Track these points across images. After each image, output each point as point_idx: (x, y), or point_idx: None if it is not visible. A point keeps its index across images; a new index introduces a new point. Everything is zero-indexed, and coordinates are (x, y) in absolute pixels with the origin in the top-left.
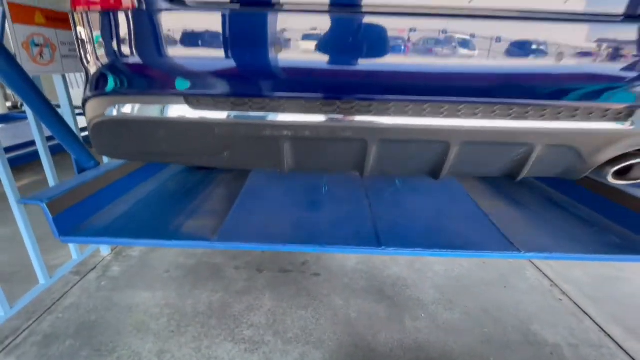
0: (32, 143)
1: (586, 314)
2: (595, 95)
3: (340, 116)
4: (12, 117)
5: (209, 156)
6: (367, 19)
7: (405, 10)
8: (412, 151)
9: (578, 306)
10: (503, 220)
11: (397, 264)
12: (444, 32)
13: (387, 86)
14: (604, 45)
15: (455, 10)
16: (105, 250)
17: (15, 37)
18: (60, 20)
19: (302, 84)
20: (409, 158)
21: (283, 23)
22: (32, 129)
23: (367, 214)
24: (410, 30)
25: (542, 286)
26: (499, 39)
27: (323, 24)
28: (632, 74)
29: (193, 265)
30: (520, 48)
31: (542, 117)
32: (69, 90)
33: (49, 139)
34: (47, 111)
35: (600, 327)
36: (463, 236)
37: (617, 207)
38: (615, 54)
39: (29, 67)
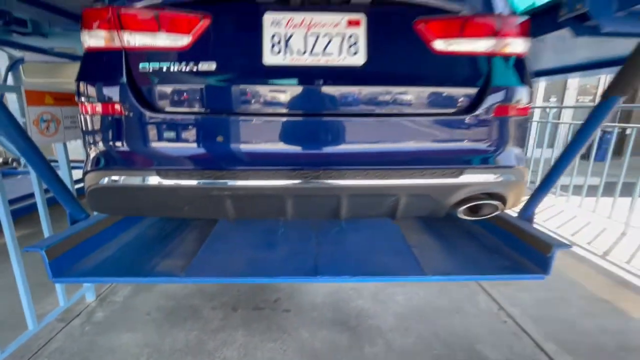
0: (22, 198)
1: (525, 332)
2: (437, 162)
3: (264, 182)
4: (4, 172)
5: (173, 210)
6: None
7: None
8: (317, 203)
9: (519, 326)
10: (423, 251)
11: (362, 296)
12: (337, 130)
13: (298, 162)
14: (442, 135)
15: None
16: (90, 297)
17: (28, 116)
18: (65, 99)
19: (237, 161)
20: (316, 207)
21: (223, 126)
22: (34, 187)
23: (312, 251)
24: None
25: (490, 310)
26: (368, 134)
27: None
28: (461, 150)
29: (173, 306)
30: (384, 138)
31: (403, 177)
32: (67, 154)
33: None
34: (48, 172)
35: (537, 344)
36: (385, 265)
37: (513, 237)
38: (447, 139)
39: (37, 138)
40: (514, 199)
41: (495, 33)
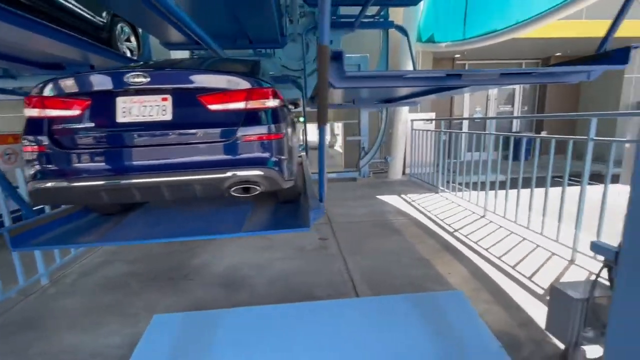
0: None
1: (352, 280)
2: (216, 166)
3: (126, 181)
4: None
5: (77, 200)
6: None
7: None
8: (162, 190)
9: (351, 277)
10: (253, 218)
11: (251, 267)
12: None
13: (143, 169)
14: (218, 152)
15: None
16: (44, 281)
17: None
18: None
19: (107, 170)
20: (163, 192)
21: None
22: (1, 203)
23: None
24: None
25: (339, 271)
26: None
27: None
28: (230, 159)
29: (109, 282)
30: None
31: (201, 175)
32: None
33: None
34: (10, 190)
35: (354, 285)
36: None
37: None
38: (222, 154)
39: (3, 167)
40: (269, 185)
41: (245, 98)
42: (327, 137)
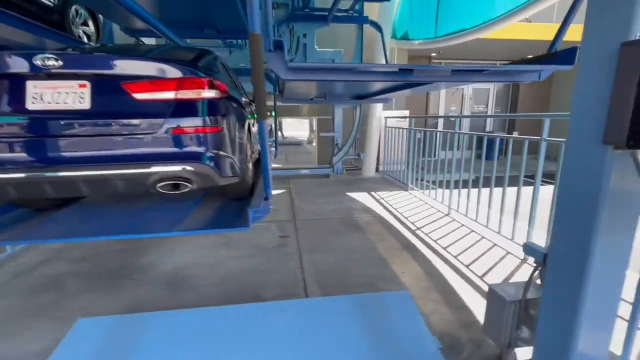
0: None
1: (304, 280)
2: (139, 160)
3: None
4: None
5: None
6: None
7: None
8: (79, 186)
9: (304, 277)
10: (193, 218)
11: (200, 266)
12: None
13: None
14: (140, 144)
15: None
16: None
17: None
18: None
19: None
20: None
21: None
22: None
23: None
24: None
25: (293, 270)
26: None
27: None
28: (156, 153)
29: (49, 282)
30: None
31: (121, 169)
32: None
33: None
34: None
35: (305, 285)
36: (150, 225)
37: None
38: (146, 147)
39: None
40: (202, 182)
41: (176, 88)
42: (306, 133)
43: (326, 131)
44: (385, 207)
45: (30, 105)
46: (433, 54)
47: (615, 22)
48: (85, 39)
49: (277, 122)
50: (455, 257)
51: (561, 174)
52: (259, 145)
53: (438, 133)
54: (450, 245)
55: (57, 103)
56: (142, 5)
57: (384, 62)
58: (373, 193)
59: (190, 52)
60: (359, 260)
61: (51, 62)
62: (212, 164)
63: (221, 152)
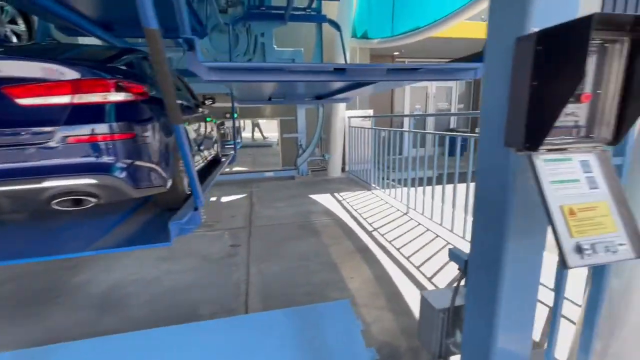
0: None
1: (247, 294)
2: (28, 174)
3: None
4: None
5: None
6: None
7: None
8: None
9: (247, 290)
10: (110, 236)
11: (135, 283)
12: None
13: None
14: (28, 156)
15: None
16: None
17: None
18: None
19: None
20: None
21: None
22: None
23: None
24: None
25: (237, 282)
26: None
27: None
28: (46, 165)
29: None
30: None
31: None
32: None
33: None
34: None
35: (247, 299)
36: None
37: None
38: (34, 159)
39: None
40: (110, 196)
41: (72, 91)
42: (277, 134)
43: (290, 132)
44: (345, 209)
45: None
46: (396, 53)
47: (513, 16)
48: (14, 39)
49: (241, 124)
50: (407, 258)
51: (476, 178)
52: (212, 150)
53: (400, 132)
54: (404, 245)
55: None
56: (73, 4)
57: (342, 61)
58: (336, 194)
59: (107, 52)
60: (310, 267)
61: None
62: (122, 174)
63: (136, 161)
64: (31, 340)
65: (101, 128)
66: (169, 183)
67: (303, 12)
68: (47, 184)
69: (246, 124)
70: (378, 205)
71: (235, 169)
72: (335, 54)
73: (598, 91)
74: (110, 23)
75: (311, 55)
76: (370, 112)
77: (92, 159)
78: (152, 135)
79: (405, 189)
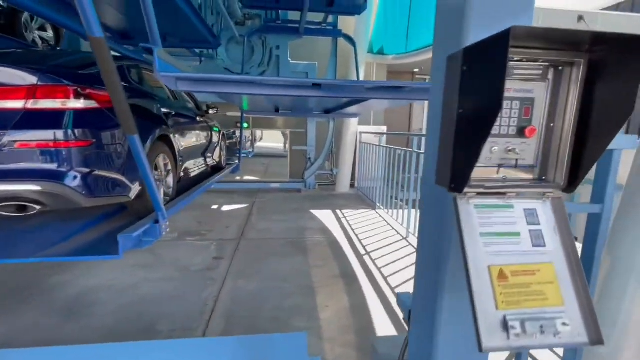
0: None
1: (212, 311)
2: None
3: None
4: None
5: None
6: None
7: None
8: None
9: (213, 308)
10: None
11: (108, 290)
12: None
13: None
14: None
15: None
16: None
17: None
18: None
19: None
20: None
21: None
22: None
23: None
24: None
25: (206, 298)
26: None
27: None
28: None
29: None
30: None
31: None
32: None
33: None
34: None
35: (210, 317)
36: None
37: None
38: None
39: None
40: (57, 204)
41: (25, 96)
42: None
43: (300, 144)
44: (343, 227)
45: None
46: (416, 70)
47: (450, 35)
48: (40, 44)
49: (258, 134)
50: (392, 288)
51: (420, 218)
52: (214, 159)
53: (405, 151)
54: (393, 274)
55: None
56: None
57: (355, 77)
58: (338, 211)
59: (88, 59)
60: (286, 289)
61: None
62: (72, 182)
63: (89, 170)
64: None
65: (52, 134)
66: (133, 192)
67: (319, 27)
68: None
69: (264, 134)
70: (379, 227)
71: (245, 178)
72: (350, 70)
73: (551, 124)
74: (128, 32)
75: (325, 69)
76: (384, 128)
77: (38, 165)
78: (112, 144)
79: (404, 210)
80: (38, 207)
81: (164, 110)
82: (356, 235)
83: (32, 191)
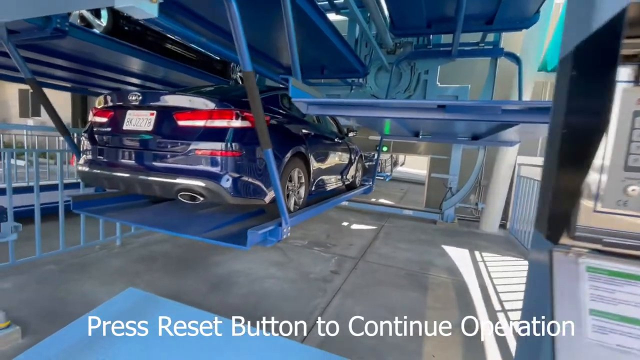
0: None
1: (316, 321)
2: (172, 173)
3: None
4: None
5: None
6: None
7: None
8: (135, 186)
9: (317, 319)
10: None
11: (244, 275)
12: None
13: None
14: (174, 160)
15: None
16: (119, 242)
17: None
18: None
19: (111, 165)
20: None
21: None
22: None
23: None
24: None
25: (314, 307)
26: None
27: None
28: (181, 168)
29: None
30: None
31: (162, 177)
32: None
33: None
34: None
35: (312, 328)
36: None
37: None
38: (177, 163)
39: None
40: (212, 197)
41: (206, 117)
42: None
43: (442, 172)
44: (478, 272)
45: (125, 126)
46: None
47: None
48: (240, 82)
49: (399, 158)
50: None
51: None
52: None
53: None
54: None
55: (136, 125)
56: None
57: (525, 97)
58: (476, 252)
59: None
60: (389, 324)
61: (133, 98)
62: (226, 183)
63: (234, 174)
64: (160, 290)
65: (219, 145)
66: (268, 197)
67: (475, 47)
68: (178, 180)
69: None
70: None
71: (380, 200)
72: (511, 90)
73: None
74: (324, 68)
75: (479, 92)
76: None
77: (205, 168)
78: (256, 157)
79: None
80: (201, 199)
81: (304, 131)
82: (493, 286)
83: (200, 186)
